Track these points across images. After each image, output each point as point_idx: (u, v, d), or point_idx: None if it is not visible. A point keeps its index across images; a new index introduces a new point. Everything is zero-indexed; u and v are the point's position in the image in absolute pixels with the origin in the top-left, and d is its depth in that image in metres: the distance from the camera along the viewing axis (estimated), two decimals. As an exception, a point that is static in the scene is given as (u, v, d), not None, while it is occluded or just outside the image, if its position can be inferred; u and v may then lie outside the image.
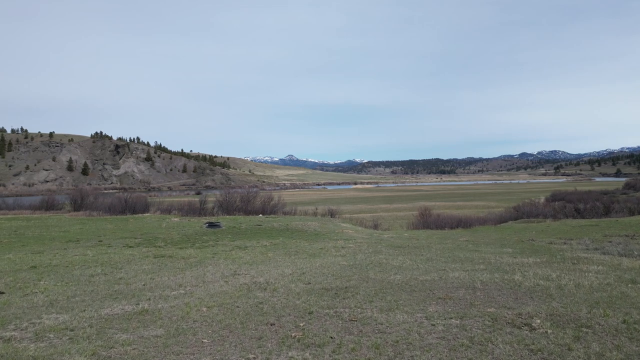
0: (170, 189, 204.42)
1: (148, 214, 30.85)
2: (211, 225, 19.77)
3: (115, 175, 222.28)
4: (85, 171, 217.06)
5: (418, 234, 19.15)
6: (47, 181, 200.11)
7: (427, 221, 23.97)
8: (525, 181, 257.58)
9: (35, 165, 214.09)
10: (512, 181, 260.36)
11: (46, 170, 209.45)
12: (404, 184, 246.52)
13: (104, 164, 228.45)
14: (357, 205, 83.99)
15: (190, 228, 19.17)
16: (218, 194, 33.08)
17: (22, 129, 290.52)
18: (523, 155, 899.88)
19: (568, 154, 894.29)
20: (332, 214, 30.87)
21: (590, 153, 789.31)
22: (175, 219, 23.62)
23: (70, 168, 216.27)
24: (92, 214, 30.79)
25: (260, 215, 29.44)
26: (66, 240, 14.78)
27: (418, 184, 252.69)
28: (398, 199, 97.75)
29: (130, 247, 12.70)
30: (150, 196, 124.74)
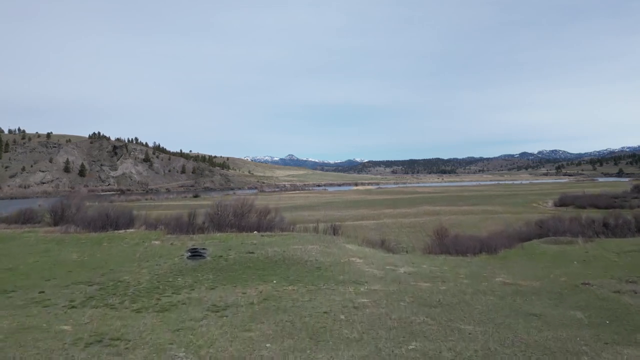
0: (168, 190, 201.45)
1: (131, 231, 27.78)
2: (194, 254, 16.74)
3: (113, 177, 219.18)
4: (82, 172, 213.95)
5: (440, 265, 16.11)
6: (44, 183, 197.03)
7: (444, 243, 20.98)
8: (527, 181, 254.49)
9: (31, 166, 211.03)
10: (515, 181, 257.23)
11: (42, 171, 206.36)
12: (405, 185, 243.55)
13: (101, 165, 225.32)
14: (359, 209, 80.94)
15: (168, 258, 16.13)
16: (209, 206, 30.01)
17: (19, 129, 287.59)
18: (524, 155, 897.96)
19: (569, 153, 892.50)
20: (334, 229, 27.85)
21: (591, 153, 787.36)
22: (157, 242, 20.61)
23: (67, 169, 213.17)
24: (69, 231, 27.74)
25: (255, 232, 26.38)
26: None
27: (419, 184, 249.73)
28: (401, 203, 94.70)
29: (72, 307, 9.63)
30: (147, 199, 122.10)
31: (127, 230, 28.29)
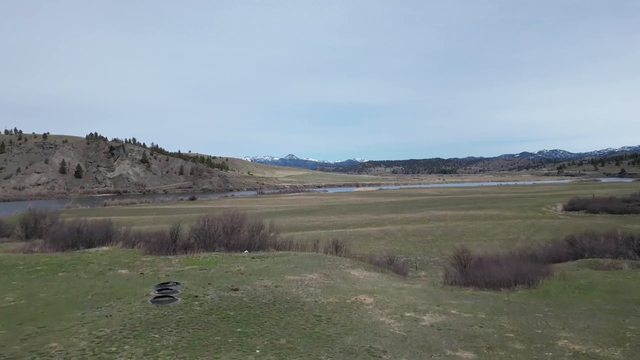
0: (166, 192, 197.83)
1: (105, 249, 24.31)
2: (161, 294, 13.30)
3: (110, 178, 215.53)
4: (78, 174, 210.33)
5: (473, 310, 12.64)
6: (39, 184, 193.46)
7: (469, 273, 17.47)
8: (530, 182, 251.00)
9: (27, 167, 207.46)
10: (517, 182, 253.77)
11: (38, 172, 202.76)
12: (406, 186, 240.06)
13: (98, 166, 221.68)
14: (361, 214, 77.50)
15: (127, 302, 12.67)
16: (197, 219, 26.53)
17: (16, 129, 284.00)
18: (524, 154, 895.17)
19: (569, 153, 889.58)
20: (337, 246, 24.39)
21: (592, 152, 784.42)
22: (124, 271, 17.15)
23: (63, 170, 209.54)
24: (33, 250, 24.31)
25: (246, 252, 22.92)
26: None
27: (421, 185, 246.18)
28: (404, 206, 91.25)
29: None
30: (141, 202, 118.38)
31: (101, 248, 24.84)
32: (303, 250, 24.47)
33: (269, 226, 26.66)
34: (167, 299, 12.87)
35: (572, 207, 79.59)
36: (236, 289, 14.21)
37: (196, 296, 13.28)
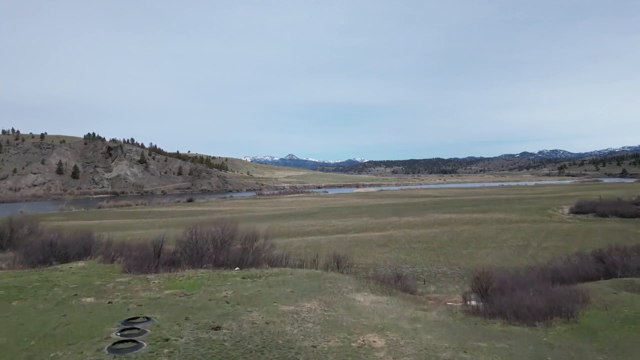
0: (164, 193, 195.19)
1: (80, 265, 21.82)
2: (125, 336, 10.81)
3: (107, 179, 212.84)
4: (75, 174, 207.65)
5: (509, 357, 10.15)
6: (35, 185, 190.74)
7: (492, 300, 14.95)
8: (533, 183, 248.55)
9: (23, 168, 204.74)
10: (519, 183, 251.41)
11: (34, 173, 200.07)
12: (407, 186, 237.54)
13: (95, 166, 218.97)
14: (362, 217, 74.93)
15: (80, 349, 10.22)
16: (181, 233, 24.02)
17: (13, 129, 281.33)
18: (524, 154, 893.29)
19: (569, 153, 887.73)
20: (338, 262, 21.97)
21: (592, 152, 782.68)
22: (89, 299, 14.67)
23: (59, 171, 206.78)
24: (1, 266, 21.84)
25: (237, 269, 20.42)
26: None
27: (421, 186, 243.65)
28: (406, 209, 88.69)
29: None
30: (137, 204, 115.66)
31: (76, 264, 22.33)
32: (301, 266, 21.99)
33: (263, 238, 24.13)
34: (130, 344, 10.36)
35: (580, 210, 77.12)
36: (218, 328, 11.71)
37: (167, 339, 10.78)
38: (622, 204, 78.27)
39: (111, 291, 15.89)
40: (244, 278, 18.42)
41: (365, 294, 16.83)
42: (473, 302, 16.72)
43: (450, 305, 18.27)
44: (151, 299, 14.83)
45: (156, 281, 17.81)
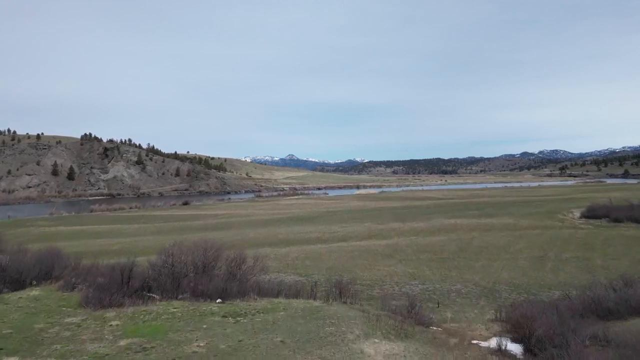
0: (161, 194, 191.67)
1: (33, 294, 18.31)
2: None
3: (104, 180, 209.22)
4: (71, 176, 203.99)
5: None
6: (30, 187, 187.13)
7: (520, 336, 11.43)
8: (536, 183, 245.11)
9: (17, 169, 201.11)
10: (522, 184, 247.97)
11: (29, 175, 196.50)
12: (408, 187, 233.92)
13: (91, 167, 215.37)
14: (364, 222, 71.34)
15: None
16: (155, 257, 20.47)
17: (9, 130, 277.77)
18: (524, 154, 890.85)
19: (570, 153, 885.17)
20: (341, 290, 18.56)
21: (592, 152, 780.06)
22: (12, 359, 11.23)
23: (55, 172, 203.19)
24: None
25: (218, 301, 16.89)
26: None
27: (423, 187, 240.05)
28: (410, 213, 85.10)
29: None
30: (131, 207, 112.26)
31: (31, 291, 18.83)
32: (296, 295, 18.46)
33: (253, 259, 20.60)
34: None
35: (592, 214, 73.47)
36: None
37: None
38: (636, 208, 74.82)
39: (49, 342, 12.36)
40: (225, 317, 14.93)
41: (377, 341, 13.33)
42: (512, 350, 13.22)
43: (479, 346, 14.84)
44: (98, 356, 11.32)
45: (114, 322, 14.30)
